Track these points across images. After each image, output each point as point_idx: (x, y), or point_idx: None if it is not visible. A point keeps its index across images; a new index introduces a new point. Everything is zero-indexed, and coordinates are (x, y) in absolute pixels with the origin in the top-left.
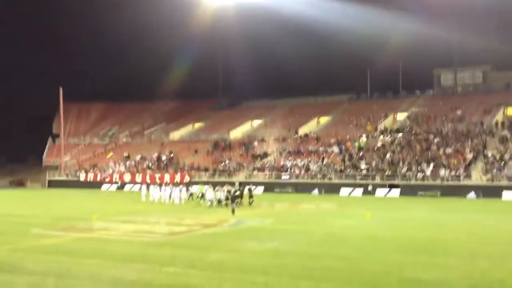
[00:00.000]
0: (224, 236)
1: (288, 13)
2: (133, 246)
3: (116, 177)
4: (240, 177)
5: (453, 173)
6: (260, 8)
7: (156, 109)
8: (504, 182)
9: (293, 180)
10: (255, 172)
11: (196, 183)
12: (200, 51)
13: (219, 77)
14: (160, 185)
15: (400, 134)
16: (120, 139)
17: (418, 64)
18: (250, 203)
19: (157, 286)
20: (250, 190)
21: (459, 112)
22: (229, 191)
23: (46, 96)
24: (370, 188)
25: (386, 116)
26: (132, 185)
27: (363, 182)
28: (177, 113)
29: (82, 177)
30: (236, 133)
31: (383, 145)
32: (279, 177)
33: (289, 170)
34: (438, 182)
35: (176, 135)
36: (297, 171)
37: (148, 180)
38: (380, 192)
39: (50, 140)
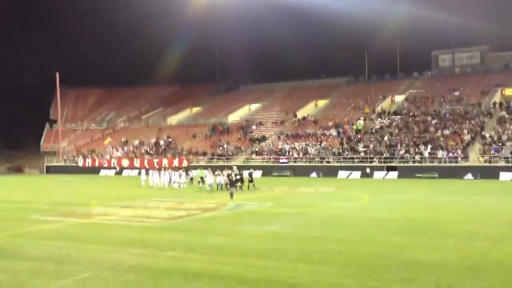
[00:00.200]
0: (223, 220)
1: None
2: (132, 231)
3: (114, 162)
4: (238, 161)
5: (450, 154)
6: None
7: (153, 94)
8: (502, 163)
9: (291, 164)
10: (253, 156)
11: (195, 167)
12: (197, 35)
13: (216, 61)
14: (160, 170)
15: (398, 116)
16: (117, 124)
17: (416, 45)
18: (249, 187)
19: (156, 270)
20: (250, 174)
21: (457, 94)
22: (229, 175)
23: (43, 81)
24: (368, 170)
25: (384, 98)
26: (130, 170)
27: (361, 164)
28: (175, 98)
29: (80, 162)
30: (234, 117)
31: (381, 128)
32: (277, 160)
33: (287, 153)
34: (436, 163)
35: (174, 119)
36: (295, 155)
37: (146, 165)
38: (378, 174)
39: (47, 125)
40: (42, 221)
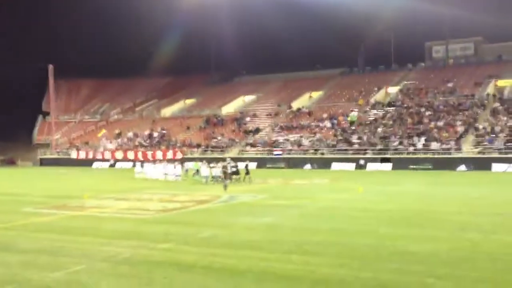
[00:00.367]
0: (217, 212)
1: None
2: (126, 223)
3: (108, 154)
4: (232, 153)
5: (444, 146)
6: None
7: (147, 86)
8: (494, 154)
9: (286, 156)
10: (248, 148)
11: (189, 159)
12: (192, 26)
13: (211, 52)
14: (155, 162)
15: (392, 108)
16: (111, 116)
17: (410, 37)
18: (244, 179)
19: (150, 262)
20: (246, 166)
21: (450, 85)
22: (224, 167)
23: (36, 73)
24: (362, 162)
25: (378, 90)
26: (124, 162)
27: (355, 156)
28: (169, 89)
29: (73, 154)
30: (228, 109)
31: (375, 119)
32: (271, 152)
33: (281, 145)
34: (429, 155)
35: (167, 111)
36: (289, 146)
37: (140, 157)
38: (372, 166)
39: (40, 117)
40: (35, 214)
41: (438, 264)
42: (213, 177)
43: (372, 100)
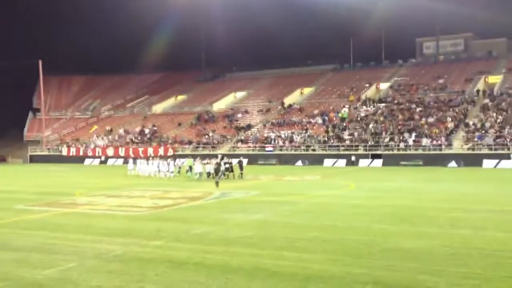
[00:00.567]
0: (209, 208)
1: None
2: (117, 220)
3: (99, 151)
4: (223, 149)
5: (434, 142)
6: None
7: (138, 82)
8: (485, 151)
9: (277, 152)
10: (239, 144)
11: (180, 156)
12: (183, 22)
13: (202, 49)
14: (147, 159)
15: (382, 104)
16: (102, 112)
17: (401, 33)
18: (239, 176)
19: (142, 259)
20: (240, 163)
21: (441, 81)
22: (218, 164)
23: (26, 69)
24: (353, 158)
25: (369, 86)
26: (115, 159)
27: (346, 152)
28: (160, 86)
29: (64, 151)
30: (220, 105)
31: (366, 115)
32: (263, 149)
33: (273, 141)
34: (420, 151)
35: (159, 108)
36: (281, 143)
37: (131, 154)
38: (363, 162)
39: (30, 114)
40: (27, 211)
41: (430, 260)
42: (207, 173)
43: (363, 97)
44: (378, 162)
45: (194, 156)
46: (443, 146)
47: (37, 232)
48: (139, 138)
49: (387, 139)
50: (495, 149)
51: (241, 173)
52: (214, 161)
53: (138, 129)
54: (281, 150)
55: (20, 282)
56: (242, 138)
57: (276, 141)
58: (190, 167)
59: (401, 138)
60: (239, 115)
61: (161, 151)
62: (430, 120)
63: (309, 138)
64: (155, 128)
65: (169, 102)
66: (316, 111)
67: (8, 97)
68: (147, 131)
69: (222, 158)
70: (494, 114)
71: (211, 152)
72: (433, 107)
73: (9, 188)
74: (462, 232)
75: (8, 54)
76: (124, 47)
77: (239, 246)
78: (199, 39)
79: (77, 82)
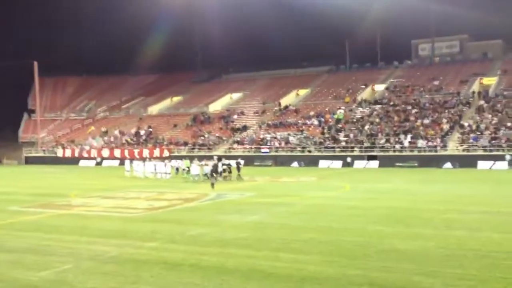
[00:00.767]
0: (204, 210)
1: None
2: (113, 222)
3: (94, 152)
4: (219, 151)
5: (430, 143)
6: None
7: (133, 83)
8: (480, 152)
9: (273, 153)
10: (235, 146)
11: (176, 157)
12: (178, 23)
13: (197, 50)
14: (144, 160)
15: (378, 106)
16: (97, 114)
17: (396, 34)
18: (238, 177)
19: (137, 261)
20: (238, 164)
21: (436, 83)
22: (215, 165)
23: (21, 70)
24: (349, 160)
25: (364, 88)
26: (111, 160)
27: (342, 154)
28: (155, 87)
29: (59, 153)
30: (215, 107)
31: (361, 117)
32: (258, 150)
33: (268, 143)
34: (415, 153)
35: (154, 109)
36: (276, 144)
37: (127, 155)
38: (359, 163)
39: (25, 115)
40: (22, 213)
41: (425, 261)
42: (204, 175)
43: (358, 98)
44: (374, 164)
45: (190, 158)
46: (438, 148)
47: (32, 234)
48: (134, 140)
49: (382, 141)
50: (490, 151)
51: (239, 174)
52: (211, 162)
53: (133, 130)
54: (277, 151)
55: (14, 284)
56: (238, 139)
57: (272, 143)
58: (188, 168)
59: (396, 139)
60: (235, 116)
61: (156, 153)
62: (426, 121)
63: (305, 140)
64: (151, 129)
65: (165, 103)
66: (312, 113)
67: (3, 98)
68: (142, 132)
69: (219, 159)
70: (489, 116)
71: (207, 154)
72: (428, 108)
73: (4, 190)
74: (458, 233)
75: (3, 55)
76: (120, 48)
77: (235, 247)
78: (195, 40)
79: (73, 83)
